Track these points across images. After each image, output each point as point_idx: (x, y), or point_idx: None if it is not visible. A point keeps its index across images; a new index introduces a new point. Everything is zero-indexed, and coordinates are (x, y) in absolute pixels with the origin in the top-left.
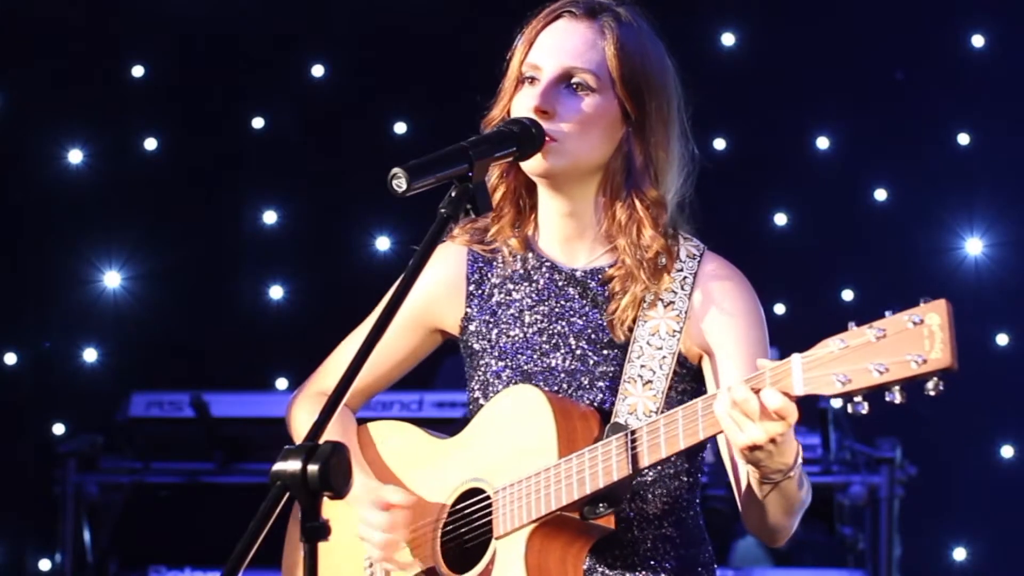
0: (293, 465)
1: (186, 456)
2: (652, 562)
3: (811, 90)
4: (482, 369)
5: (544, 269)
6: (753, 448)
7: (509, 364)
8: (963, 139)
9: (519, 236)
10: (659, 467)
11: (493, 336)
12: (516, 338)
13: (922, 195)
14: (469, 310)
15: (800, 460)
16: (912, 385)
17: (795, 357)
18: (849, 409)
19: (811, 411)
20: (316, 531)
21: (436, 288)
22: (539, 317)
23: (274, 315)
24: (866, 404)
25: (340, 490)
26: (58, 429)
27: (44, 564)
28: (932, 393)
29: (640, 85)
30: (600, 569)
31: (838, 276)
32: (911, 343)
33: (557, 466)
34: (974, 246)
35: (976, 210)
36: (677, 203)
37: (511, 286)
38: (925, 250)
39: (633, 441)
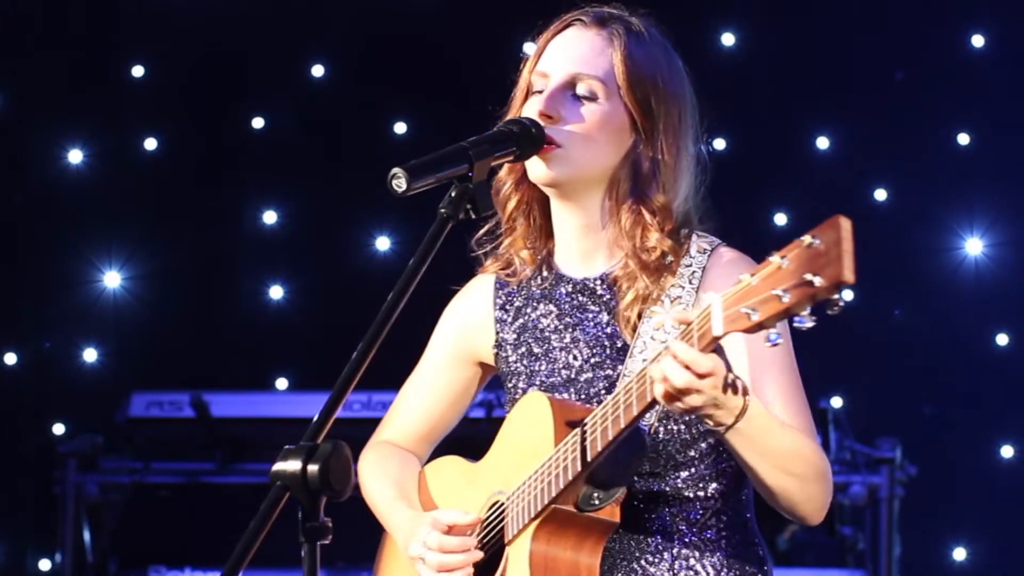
0: (293, 465)
1: (186, 456)
2: (691, 566)
3: (811, 90)
4: (512, 391)
5: (562, 284)
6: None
7: (535, 382)
8: (963, 139)
9: (531, 249)
10: (695, 466)
11: (520, 357)
12: (540, 356)
13: (922, 195)
14: (498, 336)
15: (751, 400)
16: (819, 306)
17: (714, 297)
18: (765, 342)
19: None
20: (316, 531)
21: (468, 321)
22: (560, 333)
23: (274, 315)
24: (779, 333)
25: (340, 490)
26: (58, 429)
27: (44, 564)
28: (834, 311)
29: (648, 93)
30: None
31: None
32: (811, 263)
33: (547, 461)
34: (974, 246)
35: (976, 210)
36: (691, 208)
37: (534, 305)
38: (925, 250)
39: (588, 428)
